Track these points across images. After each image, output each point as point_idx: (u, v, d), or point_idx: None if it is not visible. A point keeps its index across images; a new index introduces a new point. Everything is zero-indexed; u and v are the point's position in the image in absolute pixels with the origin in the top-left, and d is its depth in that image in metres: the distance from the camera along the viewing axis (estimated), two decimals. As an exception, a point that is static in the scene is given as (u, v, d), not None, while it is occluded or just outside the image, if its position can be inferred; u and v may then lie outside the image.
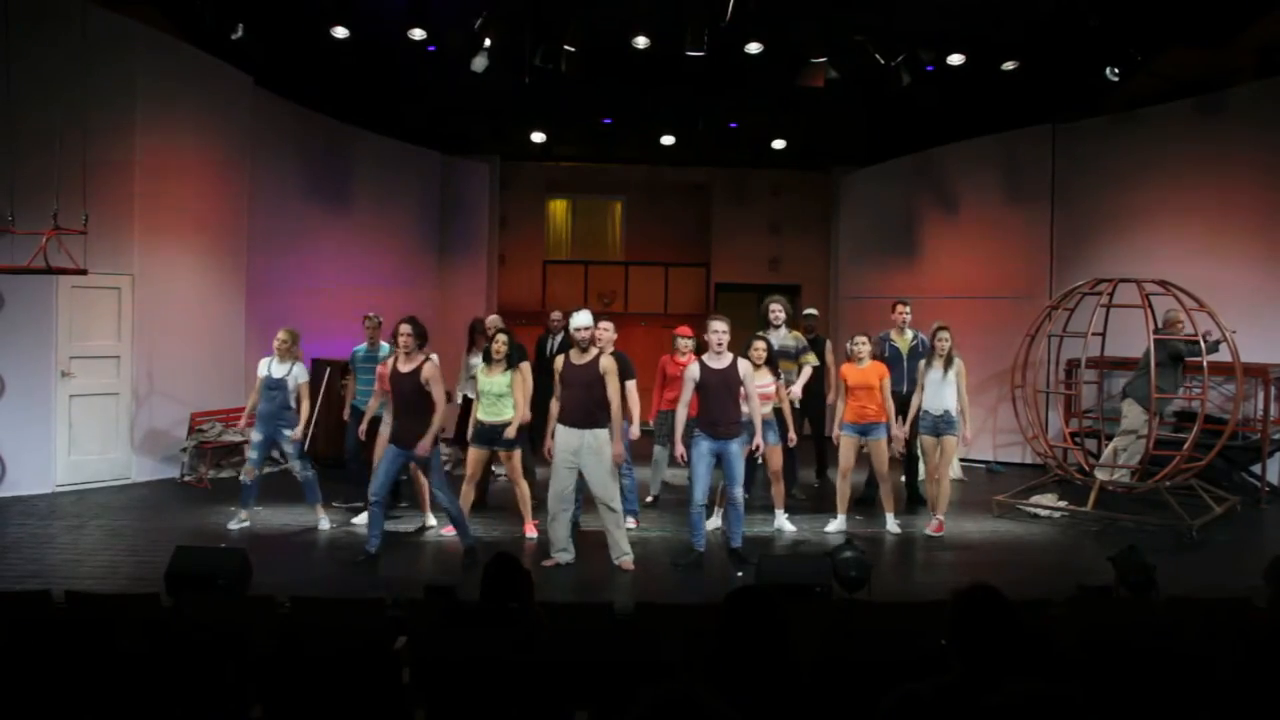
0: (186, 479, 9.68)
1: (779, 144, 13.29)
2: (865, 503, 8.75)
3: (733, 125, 13.03)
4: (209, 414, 10.02)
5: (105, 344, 9.39)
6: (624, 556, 6.88)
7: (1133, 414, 8.78)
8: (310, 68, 10.73)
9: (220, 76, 10.17)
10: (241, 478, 8.06)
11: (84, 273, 8.14)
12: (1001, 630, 2.52)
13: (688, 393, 6.94)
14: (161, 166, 9.66)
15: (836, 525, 8.03)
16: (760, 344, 7.56)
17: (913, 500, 8.99)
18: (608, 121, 13.00)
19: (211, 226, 10.25)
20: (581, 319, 6.85)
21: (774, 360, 7.73)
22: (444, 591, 5.15)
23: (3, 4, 7.99)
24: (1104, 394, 10.25)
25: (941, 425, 7.98)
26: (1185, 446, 8.36)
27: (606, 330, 7.83)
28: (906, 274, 12.61)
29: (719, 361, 6.83)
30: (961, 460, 11.48)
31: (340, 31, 9.60)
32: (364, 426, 7.94)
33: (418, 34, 9.52)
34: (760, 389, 7.31)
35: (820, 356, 8.92)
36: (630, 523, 7.82)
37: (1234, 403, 8.70)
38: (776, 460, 7.94)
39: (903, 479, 9.11)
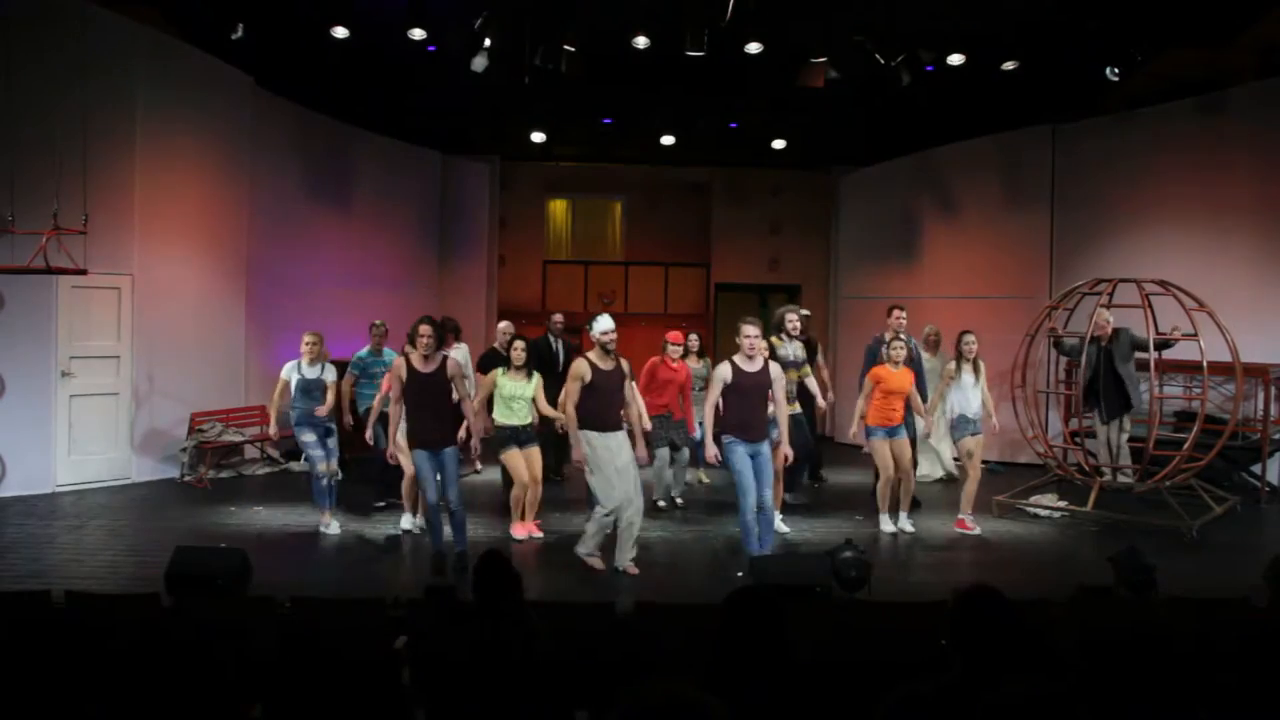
0: (186, 479, 9.68)
1: (779, 144, 13.29)
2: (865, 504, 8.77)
3: (733, 125, 13.03)
4: (209, 414, 10.02)
5: (105, 344, 9.39)
6: (632, 565, 6.80)
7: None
8: (310, 68, 10.73)
9: (220, 76, 10.17)
10: (323, 482, 7.86)
11: (84, 273, 8.15)
12: (1001, 630, 2.52)
13: (715, 394, 6.86)
14: (161, 166, 9.66)
15: (894, 524, 8.08)
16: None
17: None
18: (608, 121, 13.00)
19: (211, 226, 10.25)
20: (605, 323, 6.79)
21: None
22: (444, 591, 5.15)
23: (4, 5, 8.00)
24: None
25: (976, 427, 8.18)
26: (1185, 446, 8.36)
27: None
28: (906, 274, 12.61)
29: (752, 365, 6.81)
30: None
31: (340, 31, 9.60)
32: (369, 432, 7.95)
33: (418, 34, 9.52)
34: None
35: (811, 358, 8.93)
36: None
37: (1234, 403, 8.70)
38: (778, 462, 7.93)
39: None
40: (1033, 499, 8.89)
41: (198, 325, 10.08)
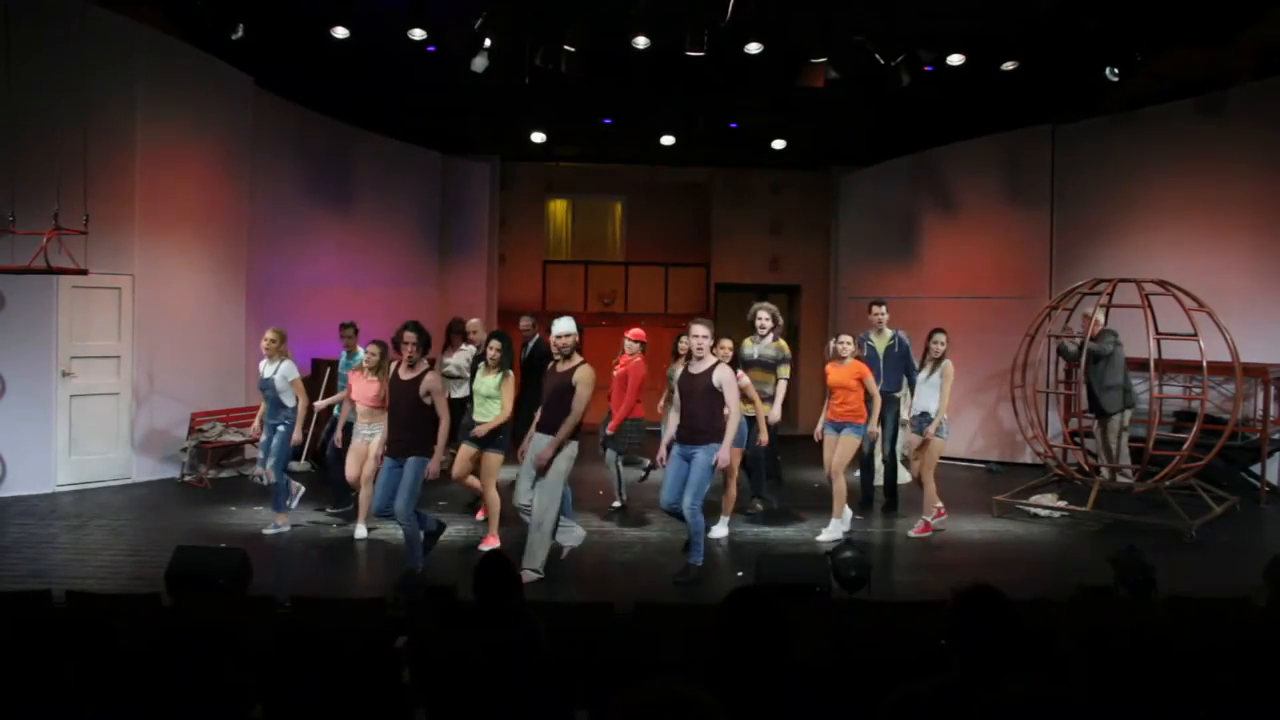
0: (187, 479, 9.68)
1: (779, 144, 13.28)
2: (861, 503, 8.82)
3: (733, 125, 13.03)
4: (209, 414, 10.02)
5: (105, 344, 9.39)
6: (529, 572, 6.28)
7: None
8: (310, 68, 10.73)
9: (220, 76, 10.17)
10: (260, 482, 7.98)
11: (84, 273, 8.14)
12: (1001, 630, 2.52)
13: (674, 396, 6.90)
14: (161, 166, 9.66)
15: (840, 526, 7.87)
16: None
17: (866, 500, 8.96)
18: (608, 121, 13.00)
19: (211, 226, 10.25)
20: (560, 326, 6.60)
21: (736, 363, 7.57)
22: (444, 591, 5.16)
23: (3, 4, 7.99)
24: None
25: (922, 424, 8.05)
26: (1185, 446, 8.37)
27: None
28: (906, 274, 12.61)
29: (697, 366, 6.70)
30: (961, 460, 11.49)
31: (340, 31, 9.59)
32: (338, 434, 7.94)
33: (418, 34, 9.51)
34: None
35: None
36: None
37: (1234, 403, 8.70)
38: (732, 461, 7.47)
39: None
40: (1033, 499, 8.89)
41: (198, 325, 10.08)
